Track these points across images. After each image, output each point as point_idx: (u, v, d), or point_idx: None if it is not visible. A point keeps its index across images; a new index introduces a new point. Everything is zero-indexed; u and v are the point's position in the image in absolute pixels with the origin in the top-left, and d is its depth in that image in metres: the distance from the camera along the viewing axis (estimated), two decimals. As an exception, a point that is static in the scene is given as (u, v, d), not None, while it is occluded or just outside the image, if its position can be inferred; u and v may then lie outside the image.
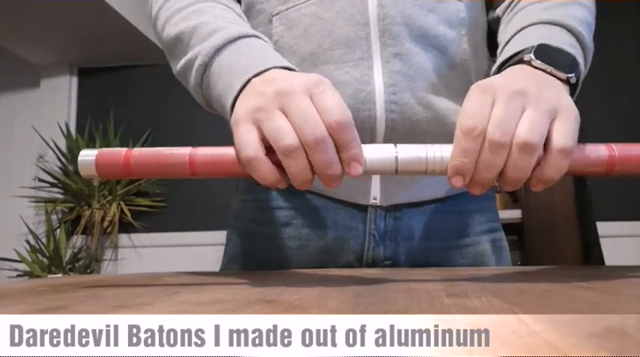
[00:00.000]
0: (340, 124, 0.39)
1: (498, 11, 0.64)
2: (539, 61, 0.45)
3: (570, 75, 0.45)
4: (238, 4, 0.63)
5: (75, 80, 2.73)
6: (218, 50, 0.50)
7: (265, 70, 0.45)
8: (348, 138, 0.39)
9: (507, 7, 0.62)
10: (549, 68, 0.45)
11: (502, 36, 0.58)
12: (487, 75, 0.66)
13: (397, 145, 0.42)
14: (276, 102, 0.40)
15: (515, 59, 0.48)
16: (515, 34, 0.53)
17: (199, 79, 0.52)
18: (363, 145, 0.41)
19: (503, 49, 0.54)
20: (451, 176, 0.40)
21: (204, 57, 0.50)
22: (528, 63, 0.46)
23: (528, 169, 0.39)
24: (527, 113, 0.39)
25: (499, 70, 0.50)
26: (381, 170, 0.41)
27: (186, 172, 0.42)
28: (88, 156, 0.44)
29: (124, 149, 0.44)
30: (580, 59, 0.48)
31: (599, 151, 0.41)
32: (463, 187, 0.40)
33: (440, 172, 0.41)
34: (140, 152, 0.43)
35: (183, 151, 0.42)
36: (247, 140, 0.40)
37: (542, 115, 0.39)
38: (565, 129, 0.39)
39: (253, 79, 0.45)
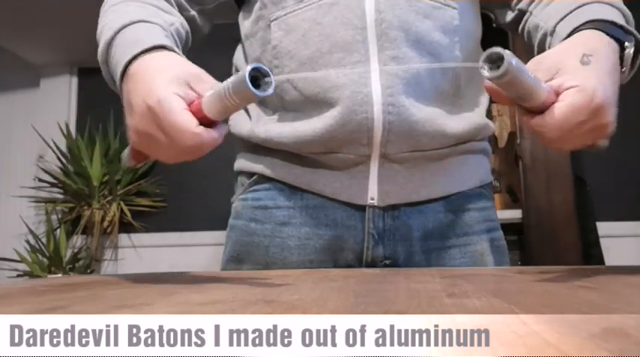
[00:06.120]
0: (184, 145, 0.44)
1: (522, 5, 0.66)
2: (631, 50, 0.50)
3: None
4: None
5: (75, 80, 2.72)
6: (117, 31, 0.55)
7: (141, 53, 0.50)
8: (194, 152, 0.45)
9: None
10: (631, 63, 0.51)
11: (545, 15, 0.60)
12: (471, 81, 0.68)
13: None
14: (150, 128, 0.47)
15: (594, 25, 0.51)
16: (578, 7, 0.56)
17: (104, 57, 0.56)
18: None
19: (566, 15, 0.56)
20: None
21: (107, 36, 0.55)
22: (621, 47, 0.50)
23: None
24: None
25: (573, 31, 0.53)
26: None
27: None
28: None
29: None
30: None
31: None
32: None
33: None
34: None
35: None
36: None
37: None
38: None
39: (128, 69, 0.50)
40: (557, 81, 0.45)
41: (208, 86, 0.45)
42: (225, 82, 0.42)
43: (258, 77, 0.40)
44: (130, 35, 0.54)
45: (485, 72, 0.39)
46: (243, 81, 0.39)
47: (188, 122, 0.43)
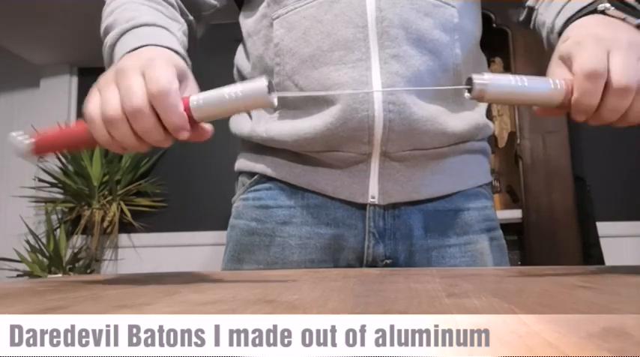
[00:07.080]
0: (159, 92, 0.42)
1: (530, 2, 0.66)
2: (613, 9, 0.49)
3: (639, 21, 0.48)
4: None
5: (75, 80, 2.72)
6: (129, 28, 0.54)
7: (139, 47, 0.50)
8: (164, 106, 0.42)
9: None
10: (623, 15, 0.48)
11: (548, 12, 0.60)
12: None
13: None
14: (113, 79, 0.45)
15: (588, 10, 0.51)
16: None
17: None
18: None
19: (561, 10, 0.56)
20: (576, 114, 0.44)
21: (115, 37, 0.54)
22: (602, 12, 0.49)
23: None
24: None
25: (567, 22, 0.53)
26: None
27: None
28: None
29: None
30: None
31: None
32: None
33: None
34: (46, 133, 0.48)
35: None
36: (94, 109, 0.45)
37: None
38: None
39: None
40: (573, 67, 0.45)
41: (192, 82, 0.47)
42: (227, 88, 0.42)
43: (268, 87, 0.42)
44: (148, 32, 0.53)
45: (467, 94, 0.44)
46: (260, 87, 0.41)
47: (184, 118, 0.43)
